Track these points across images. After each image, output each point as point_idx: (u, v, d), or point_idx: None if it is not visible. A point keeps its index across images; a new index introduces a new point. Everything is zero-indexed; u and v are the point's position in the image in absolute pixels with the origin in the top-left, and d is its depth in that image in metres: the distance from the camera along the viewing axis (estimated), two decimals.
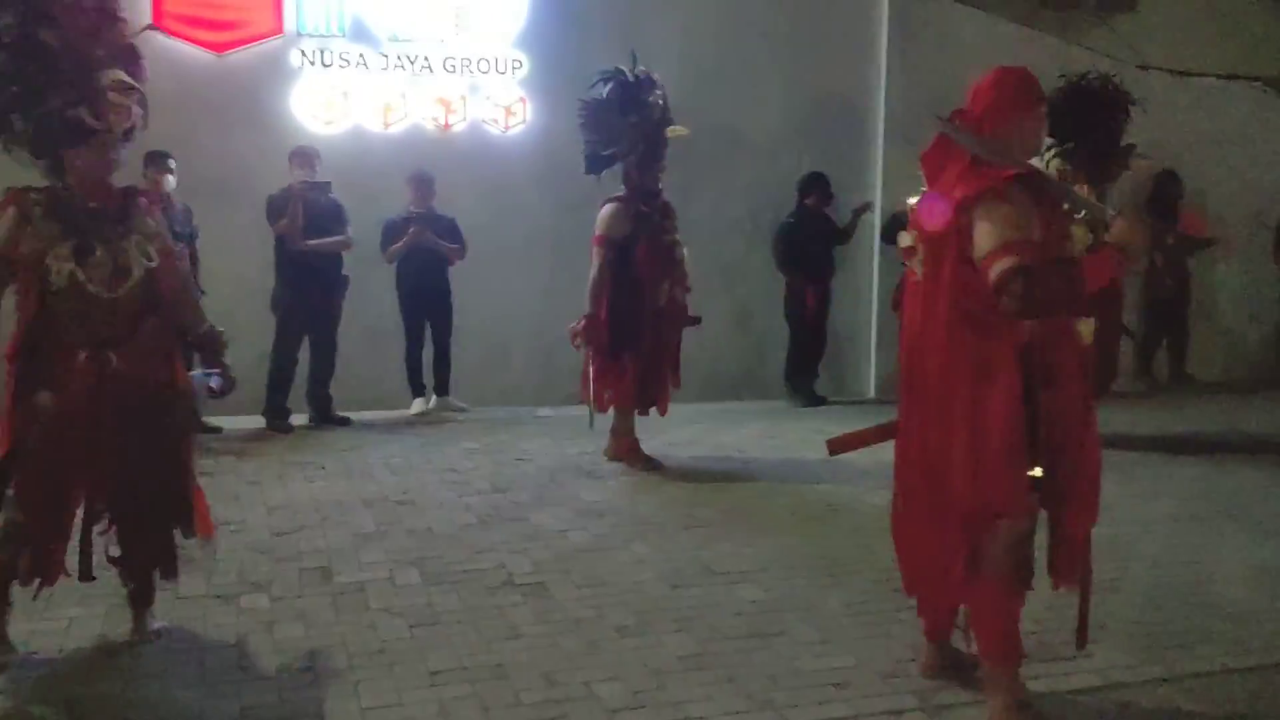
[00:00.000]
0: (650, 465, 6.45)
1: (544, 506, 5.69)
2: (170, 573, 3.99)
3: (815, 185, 8.85)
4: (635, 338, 6.25)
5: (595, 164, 6.40)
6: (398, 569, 4.72)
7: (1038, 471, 3.14)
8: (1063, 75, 7.04)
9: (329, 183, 7.58)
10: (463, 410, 8.23)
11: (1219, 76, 10.19)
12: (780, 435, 7.61)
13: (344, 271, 7.74)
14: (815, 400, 8.87)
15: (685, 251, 6.51)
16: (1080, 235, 3.25)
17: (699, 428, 7.58)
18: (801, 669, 3.72)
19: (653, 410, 6.51)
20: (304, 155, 7.57)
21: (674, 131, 6.31)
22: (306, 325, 7.68)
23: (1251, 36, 10.44)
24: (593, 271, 6.27)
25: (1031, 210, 3.07)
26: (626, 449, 6.52)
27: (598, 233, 6.30)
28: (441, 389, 8.34)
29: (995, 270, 2.99)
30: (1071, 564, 3.30)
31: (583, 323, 6.22)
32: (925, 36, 9.51)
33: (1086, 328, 3.20)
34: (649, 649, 3.90)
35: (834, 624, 4.13)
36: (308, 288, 7.54)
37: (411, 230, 7.91)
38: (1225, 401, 9.18)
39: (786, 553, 4.97)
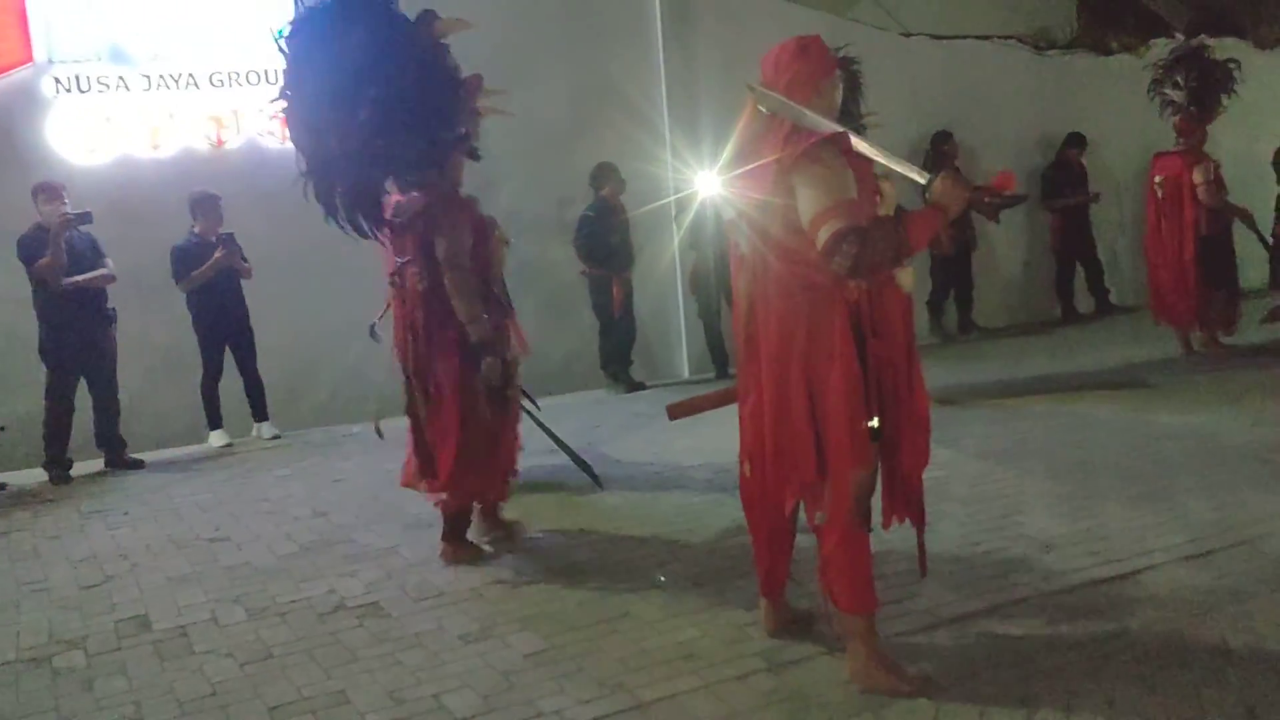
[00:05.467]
0: None
1: (369, 525, 5.54)
2: None
3: (607, 175, 8.90)
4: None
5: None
6: (220, 608, 4.51)
7: (875, 422, 3.23)
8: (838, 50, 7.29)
9: (89, 212, 7.15)
10: (276, 438, 7.93)
11: (977, 38, 10.78)
12: (605, 423, 7.66)
13: (109, 305, 7.38)
14: (635, 386, 8.95)
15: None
16: (889, 193, 3.35)
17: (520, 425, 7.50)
18: (649, 647, 3.75)
19: None
20: (51, 189, 7.11)
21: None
22: (81, 367, 7.30)
23: None
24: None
25: (847, 170, 3.16)
26: None
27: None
28: (259, 414, 8.04)
29: (823, 234, 3.06)
30: (908, 503, 3.43)
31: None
32: (699, 20, 9.69)
33: (907, 277, 3.31)
34: (495, 652, 3.84)
35: (676, 599, 4.16)
36: (75, 327, 7.17)
37: (218, 254, 7.58)
38: (1010, 346, 9.76)
39: (622, 537, 4.99)
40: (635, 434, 7.18)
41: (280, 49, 4.34)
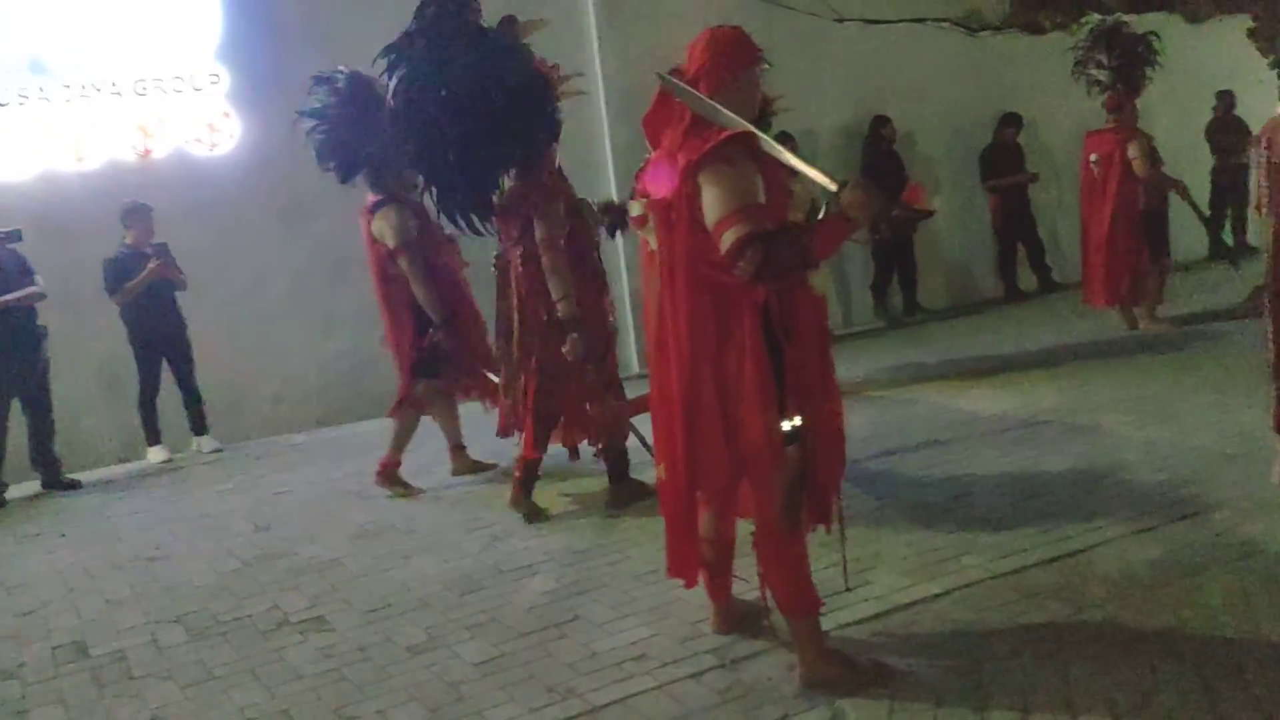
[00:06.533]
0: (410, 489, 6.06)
1: (313, 537, 5.42)
2: None
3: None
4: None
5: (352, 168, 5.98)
6: (160, 630, 4.39)
7: (798, 421, 3.18)
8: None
9: (18, 230, 6.95)
10: (216, 451, 7.76)
11: (911, 21, 10.79)
12: None
13: (40, 323, 7.21)
14: None
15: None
16: (800, 196, 3.28)
17: (466, 429, 7.38)
18: (600, 650, 3.68)
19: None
20: None
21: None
22: (13, 387, 7.13)
23: None
24: (417, 286, 5.78)
25: (754, 171, 3.07)
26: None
27: (397, 242, 5.76)
28: (198, 428, 7.87)
29: (728, 239, 2.98)
30: (825, 511, 3.36)
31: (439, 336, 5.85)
32: (632, 6, 9.61)
33: (820, 280, 3.25)
34: (443, 662, 3.76)
35: (626, 599, 4.10)
36: (6, 348, 7.00)
37: (151, 265, 7.42)
38: (955, 327, 9.81)
39: (571, 539, 4.92)
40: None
41: (390, 76, 4.86)
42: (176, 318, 7.68)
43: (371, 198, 5.91)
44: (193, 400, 7.82)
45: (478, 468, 6.28)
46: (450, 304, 5.90)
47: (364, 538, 5.29)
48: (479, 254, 6.01)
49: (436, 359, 5.92)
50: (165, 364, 7.72)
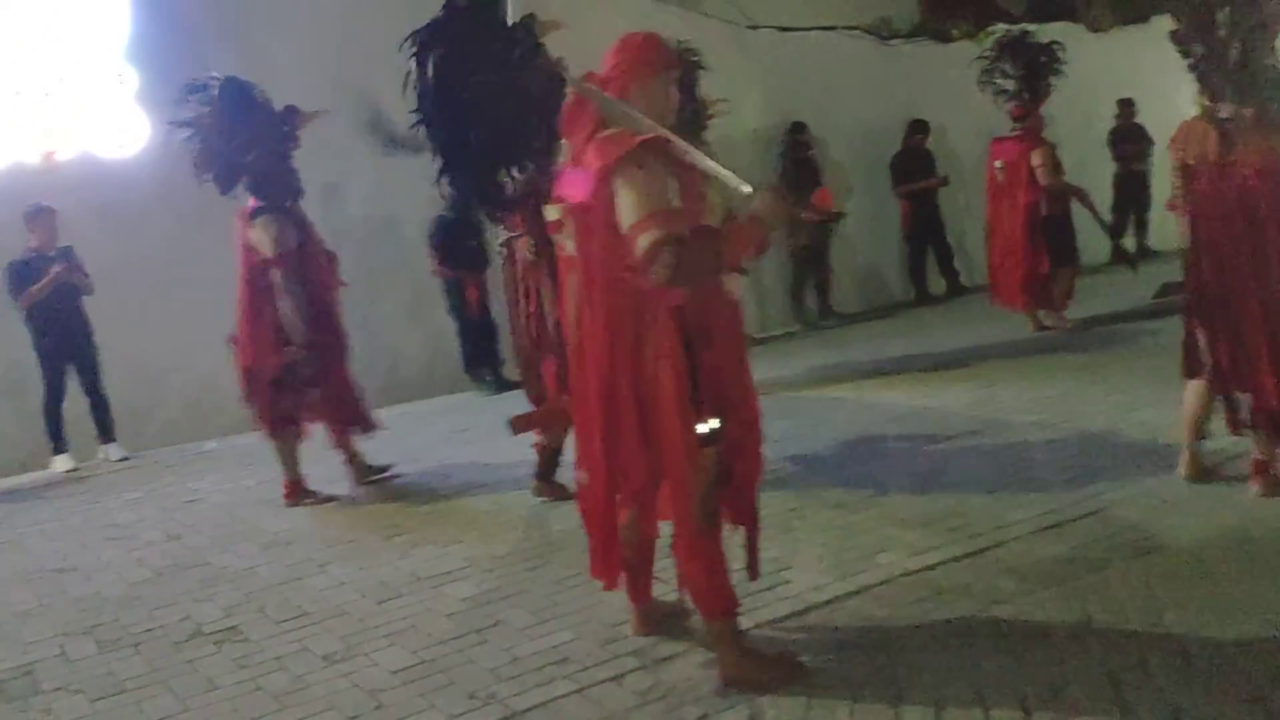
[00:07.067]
0: (322, 497, 5.97)
1: (226, 546, 5.31)
2: None
3: None
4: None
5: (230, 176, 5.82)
6: (69, 642, 4.27)
7: (715, 422, 3.21)
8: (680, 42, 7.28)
9: None
10: (124, 459, 7.57)
11: (823, 29, 10.97)
12: (471, 427, 7.53)
13: None
14: (506, 386, 8.82)
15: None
16: (716, 201, 3.32)
17: (384, 434, 7.30)
18: (521, 655, 3.67)
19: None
20: None
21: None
22: None
23: None
24: (283, 298, 5.69)
25: (667, 176, 3.10)
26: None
27: (273, 252, 5.67)
28: (106, 435, 7.68)
29: (642, 243, 3.00)
30: (742, 511, 3.40)
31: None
32: (549, 14, 9.57)
33: (735, 283, 3.29)
34: (361, 671, 3.72)
35: (547, 604, 4.10)
36: None
37: (55, 269, 7.23)
38: (869, 331, 9.98)
39: (492, 543, 4.90)
40: (505, 436, 7.01)
41: (421, 67, 4.89)
42: (82, 322, 7.49)
43: (252, 203, 5.77)
44: (99, 407, 7.63)
45: (374, 473, 6.18)
46: (316, 325, 5.75)
47: (278, 546, 5.21)
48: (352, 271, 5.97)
49: (293, 378, 5.78)
50: (71, 370, 7.52)
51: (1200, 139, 4.33)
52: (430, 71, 4.85)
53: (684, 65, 6.53)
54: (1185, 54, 4.39)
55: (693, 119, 7.02)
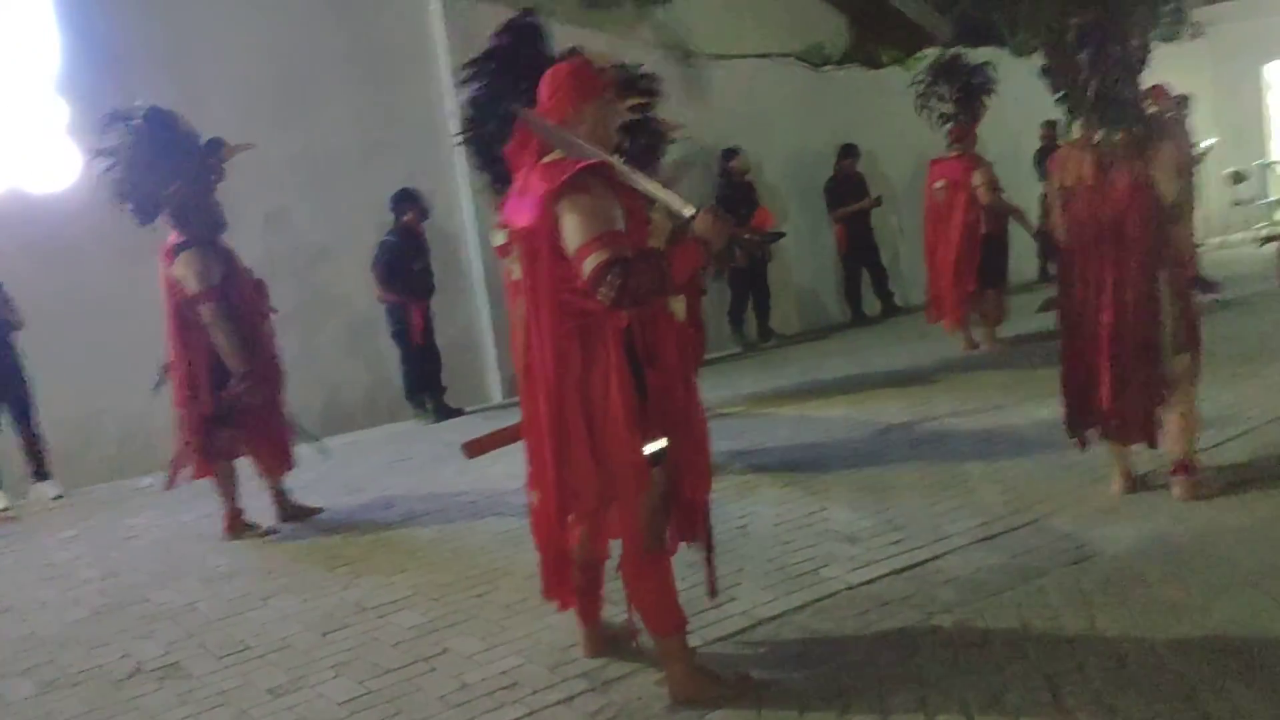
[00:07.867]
0: (263, 529, 5.89)
1: (165, 582, 5.23)
2: None
3: (410, 202, 8.72)
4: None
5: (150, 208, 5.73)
6: (4, 684, 4.18)
7: (663, 443, 3.25)
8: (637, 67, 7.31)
9: None
10: (58, 497, 7.42)
11: (756, 56, 11.13)
12: (413, 455, 7.50)
13: None
14: (449, 413, 8.80)
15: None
16: (659, 223, 3.38)
17: (324, 465, 7.24)
18: (470, 681, 3.66)
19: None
20: None
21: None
22: None
23: (782, 17, 11.50)
24: (216, 333, 5.58)
25: (611, 199, 3.15)
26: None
27: (199, 287, 5.56)
28: (39, 473, 7.52)
29: (588, 265, 3.05)
30: (693, 528, 3.44)
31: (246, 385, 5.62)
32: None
33: (679, 305, 3.34)
34: (307, 704, 3.68)
35: (495, 629, 4.09)
36: None
37: None
38: (807, 351, 10.11)
39: (438, 571, 4.88)
40: (448, 464, 7.02)
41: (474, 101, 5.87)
42: (13, 358, 7.35)
43: (174, 238, 5.67)
44: (32, 444, 7.48)
45: (301, 513, 6.06)
46: (249, 355, 5.66)
47: (218, 580, 5.14)
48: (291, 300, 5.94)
49: (232, 412, 5.68)
50: (3, 407, 7.37)
51: (1077, 163, 4.59)
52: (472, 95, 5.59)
53: (643, 91, 6.65)
54: (1053, 88, 4.68)
55: (652, 142, 7.08)
